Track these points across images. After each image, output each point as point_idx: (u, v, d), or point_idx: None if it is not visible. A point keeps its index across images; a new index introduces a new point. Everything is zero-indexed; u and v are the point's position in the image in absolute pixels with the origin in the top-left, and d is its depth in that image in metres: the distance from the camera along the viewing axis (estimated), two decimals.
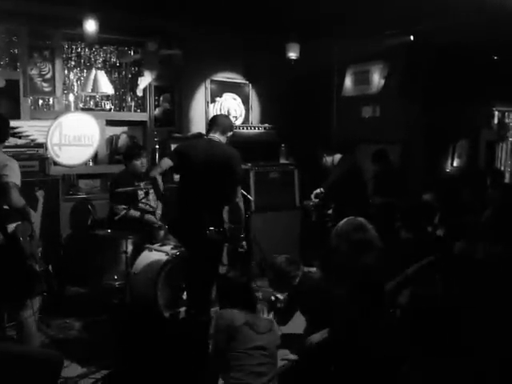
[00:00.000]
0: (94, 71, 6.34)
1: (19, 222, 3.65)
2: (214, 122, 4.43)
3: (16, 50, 6.02)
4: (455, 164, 7.22)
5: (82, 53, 6.52)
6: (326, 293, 3.79)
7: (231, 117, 7.57)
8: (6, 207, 3.58)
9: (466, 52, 6.43)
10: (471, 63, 6.49)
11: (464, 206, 5.65)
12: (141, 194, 5.37)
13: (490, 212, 4.61)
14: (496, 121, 7.88)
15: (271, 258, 4.43)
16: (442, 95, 6.56)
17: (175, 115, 7.20)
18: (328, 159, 5.95)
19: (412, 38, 6.66)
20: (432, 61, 6.65)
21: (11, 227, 3.63)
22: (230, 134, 4.44)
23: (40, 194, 4.21)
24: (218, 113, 7.44)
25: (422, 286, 3.50)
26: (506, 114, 7.97)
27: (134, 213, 5.33)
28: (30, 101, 6.08)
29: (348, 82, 7.75)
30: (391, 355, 2.96)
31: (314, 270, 4.54)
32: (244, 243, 4.66)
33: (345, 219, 4.02)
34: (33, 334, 3.83)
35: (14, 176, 3.58)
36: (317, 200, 5.86)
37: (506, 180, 7.58)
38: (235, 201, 4.33)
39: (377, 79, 7.31)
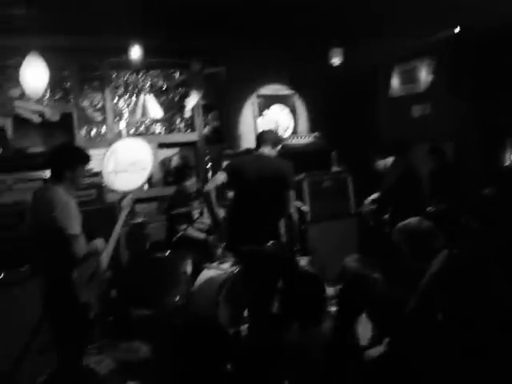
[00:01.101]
0: (142, 96, 6.50)
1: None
2: (261, 138, 4.51)
3: (67, 84, 6.25)
4: None
5: (130, 79, 6.69)
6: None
7: (280, 128, 7.59)
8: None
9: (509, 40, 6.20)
10: None
11: None
12: (195, 213, 5.44)
13: None
14: None
15: None
16: (492, 87, 6.34)
17: (224, 132, 7.27)
18: (380, 163, 5.85)
19: (457, 30, 6.48)
20: (479, 53, 6.44)
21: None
22: (279, 146, 4.48)
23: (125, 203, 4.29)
24: (267, 126, 7.49)
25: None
26: None
27: (193, 232, 5.40)
28: (83, 131, 6.28)
29: (395, 81, 7.63)
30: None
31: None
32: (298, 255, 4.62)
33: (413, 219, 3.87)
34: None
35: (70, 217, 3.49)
36: (372, 206, 5.77)
37: None
38: (290, 212, 4.35)
39: (424, 76, 7.16)
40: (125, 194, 4.71)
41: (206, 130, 7.14)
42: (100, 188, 5.65)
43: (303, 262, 5.76)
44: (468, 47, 6.53)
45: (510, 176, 6.67)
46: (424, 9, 5.76)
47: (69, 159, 3.63)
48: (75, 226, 3.47)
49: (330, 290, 4.15)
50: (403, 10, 5.83)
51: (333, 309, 4.90)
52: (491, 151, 6.77)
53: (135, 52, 6.03)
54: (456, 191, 5.96)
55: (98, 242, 3.79)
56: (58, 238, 3.42)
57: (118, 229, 4.17)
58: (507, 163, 6.70)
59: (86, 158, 3.75)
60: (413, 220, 3.76)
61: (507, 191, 5.76)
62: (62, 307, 3.53)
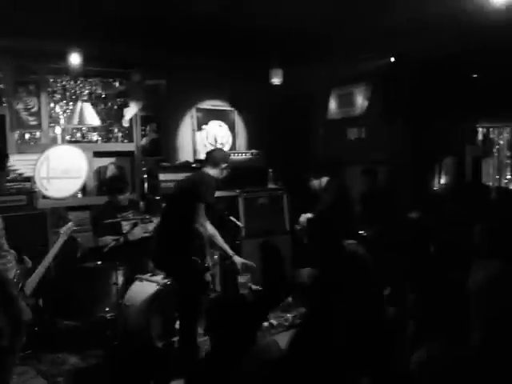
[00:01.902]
0: (79, 103, 6.36)
1: None
2: (205, 157, 4.57)
3: (1, 85, 6.05)
4: (442, 181, 7.27)
5: (67, 85, 6.54)
6: None
7: (218, 144, 7.63)
8: None
9: (446, 70, 6.53)
10: (452, 81, 6.58)
11: (450, 222, 5.68)
12: (125, 224, 5.35)
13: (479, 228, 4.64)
14: (480, 137, 7.96)
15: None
16: (425, 114, 6.64)
17: (162, 144, 7.23)
18: (315, 182, 6.01)
19: (392, 58, 6.76)
20: (413, 80, 6.74)
21: None
22: (223, 165, 4.50)
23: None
24: (205, 140, 7.54)
25: None
26: (491, 129, 8.07)
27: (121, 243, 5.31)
28: (16, 135, 6.09)
29: (332, 104, 7.84)
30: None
31: None
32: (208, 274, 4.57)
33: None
34: None
35: None
36: (306, 225, 5.89)
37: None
38: (195, 227, 4.22)
39: (360, 101, 7.40)
40: (65, 221, 4.64)
41: (144, 141, 7.08)
42: (31, 194, 5.49)
43: (242, 279, 5.79)
44: (402, 74, 6.81)
45: (436, 200, 6.97)
46: (362, 35, 5.99)
47: None
48: None
49: None
50: (342, 36, 6.04)
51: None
52: (422, 175, 7.06)
53: (74, 58, 5.97)
54: (387, 215, 6.15)
55: None
56: None
57: (51, 255, 4.09)
58: (435, 187, 7.01)
59: (3, 163, 3.62)
60: (351, 244, 3.93)
61: (432, 215, 6.00)
62: None
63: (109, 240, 5.22)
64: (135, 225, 5.35)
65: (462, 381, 2.54)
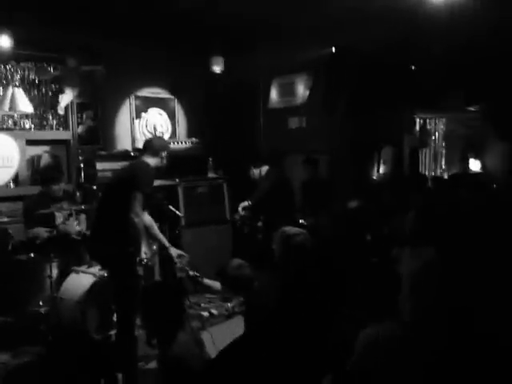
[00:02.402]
0: (11, 89, 6.08)
1: None
2: (144, 146, 4.46)
3: None
4: (381, 171, 7.41)
5: None
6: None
7: (157, 132, 7.49)
8: None
9: (386, 62, 6.63)
10: (392, 73, 6.70)
11: (387, 210, 5.79)
12: (59, 215, 5.17)
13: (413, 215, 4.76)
14: (418, 127, 8.17)
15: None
16: (365, 104, 6.73)
17: (99, 132, 7.04)
18: (255, 171, 6.00)
19: (334, 49, 6.80)
20: (354, 71, 6.81)
21: None
22: (163, 154, 4.39)
23: None
24: (144, 128, 7.39)
25: None
26: (428, 120, 8.29)
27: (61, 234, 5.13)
28: None
29: (274, 94, 7.83)
30: None
31: None
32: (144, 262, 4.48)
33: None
34: None
35: None
36: (244, 213, 5.86)
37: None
38: (130, 216, 4.08)
39: (302, 90, 7.42)
40: None
41: (80, 129, 6.87)
42: None
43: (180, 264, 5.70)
44: (343, 65, 6.87)
45: (374, 190, 7.10)
46: (304, 24, 6.00)
47: None
48: None
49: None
50: (284, 24, 6.03)
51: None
52: (362, 164, 7.16)
53: (4, 41, 5.70)
54: (327, 204, 6.20)
55: None
56: None
57: None
58: (374, 177, 7.14)
59: None
60: (293, 229, 3.94)
61: (371, 204, 6.10)
62: None
63: (41, 231, 5.04)
64: (70, 215, 5.17)
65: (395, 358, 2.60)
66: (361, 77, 6.77)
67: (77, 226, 5.27)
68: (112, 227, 4.14)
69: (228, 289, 4.08)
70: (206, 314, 5.62)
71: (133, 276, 4.19)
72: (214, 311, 5.73)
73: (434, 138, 8.38)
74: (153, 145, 4.41)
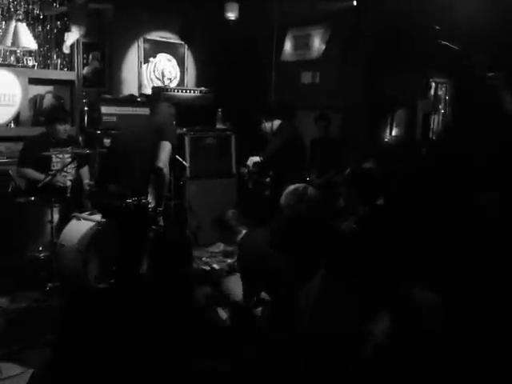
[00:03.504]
0: (13, 23, 5.77)
1: None
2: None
3: None
4: (393, 133, 7.21)
5: (0, 1, 5.92)
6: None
7: (165, 79, 7.25)
8: None
9: (407, 21, 6.32)
10: (413, 32, 6.40)
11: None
12: (56, 162, 4.95)
13: None
14: (432, 92, 7.92)
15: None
16: (383, 64, 6.45)
17: (106, 75, 6.81)
18: (267, 125, 5.80)
19: (355, 2, 6.47)
20: (375, 28, 6.50)
21: None
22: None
23: None
24: (152, 74, 7.21)
25: None
26: (439, 85, 8.03)
27: (60, 180, 4.92)
28: None
29: (288, 46, 7.51)
30: None
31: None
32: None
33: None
34: None
35: None
36: (254, 168, 5.68)
37: None
38: (158, 166, 4.08)
39: (317, 44, 7.11)
40: None
41: (86, 71, 6.63)
42: None
43: None
44: (364, 20, 6.56)
45: (386, 152, 6.92)
46: None
47: None
48: None
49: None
50: None
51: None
52: (375, 125, 6.94)
53: None
54: (337, 164, 6.02)
55: None
56: None
57: None
58: (386, 139, 6.94)
59: None
60: (301, 186, 3.79)
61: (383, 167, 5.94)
62: None
63: (31, 173, 4.87)
64: (71, 162, 4.95)
65: None
66: (382, 35, 6.47)
67: (68, 179, 5.01)
68: (137, 178, 4.09)
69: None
70: (208, 268, 5.52)
71: (146, 226, 4.15)
72: (215, 266, 5.64)
73: (443, 103, 8.16)
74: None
